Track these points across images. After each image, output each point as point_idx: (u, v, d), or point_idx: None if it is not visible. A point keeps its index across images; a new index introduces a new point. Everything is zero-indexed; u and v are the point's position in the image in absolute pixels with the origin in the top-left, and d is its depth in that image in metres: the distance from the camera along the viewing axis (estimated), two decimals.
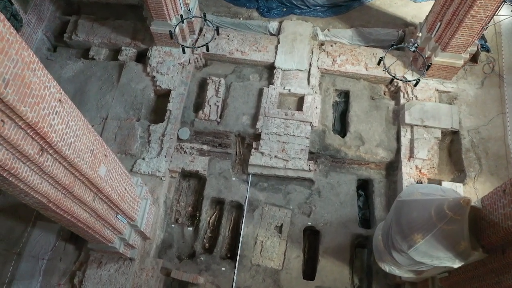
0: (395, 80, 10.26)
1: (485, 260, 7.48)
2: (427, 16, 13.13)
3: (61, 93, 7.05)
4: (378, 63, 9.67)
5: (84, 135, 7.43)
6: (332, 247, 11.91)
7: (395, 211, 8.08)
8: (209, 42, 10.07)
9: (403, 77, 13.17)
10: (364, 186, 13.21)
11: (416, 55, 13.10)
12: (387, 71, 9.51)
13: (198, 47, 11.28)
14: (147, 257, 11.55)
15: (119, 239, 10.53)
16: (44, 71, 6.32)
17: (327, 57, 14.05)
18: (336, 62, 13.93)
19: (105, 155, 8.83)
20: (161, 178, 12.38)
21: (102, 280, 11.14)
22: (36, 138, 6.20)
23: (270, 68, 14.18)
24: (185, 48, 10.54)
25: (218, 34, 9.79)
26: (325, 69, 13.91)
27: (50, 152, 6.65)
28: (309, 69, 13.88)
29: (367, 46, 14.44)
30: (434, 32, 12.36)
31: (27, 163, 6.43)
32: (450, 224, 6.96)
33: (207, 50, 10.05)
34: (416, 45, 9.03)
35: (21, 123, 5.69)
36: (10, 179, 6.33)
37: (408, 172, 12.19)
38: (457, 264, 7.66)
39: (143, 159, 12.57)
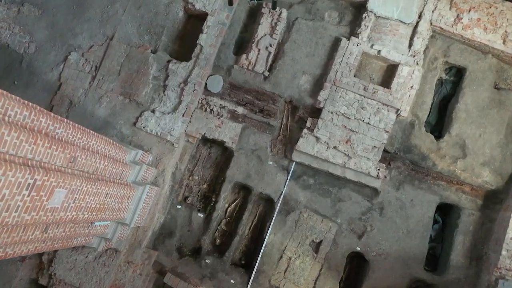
0: None
1: None
2: None
3: None
4: None
5: (14, 168, 3.89)
6: (381, 287, 8.89)
7: None
8: None
9: None
10: (444, 211, 9.57)
11: None
12: None
13: (261, 1, 6.64)
14: (137, 247, 8.78)
15: (98, 239, 7.63)
16: None
17: (450, 8, 9.12)
18: (460, 20, 9.07)
19: (73, 157, 5.34)
20: (173, 144, 8.94)
21: (76, 267, 8.55)
22: None
23: (358, 8, 9.43)
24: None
25: None
26: (441, 27, 9.13)
27: None
28: (417, 23, 9.13)
29: None
30: None
31: None
32: None
33: (274, 7, 5.68)
34: None
35: None
36: None
37: None
38: None
39: (153, 112, 8.96)
